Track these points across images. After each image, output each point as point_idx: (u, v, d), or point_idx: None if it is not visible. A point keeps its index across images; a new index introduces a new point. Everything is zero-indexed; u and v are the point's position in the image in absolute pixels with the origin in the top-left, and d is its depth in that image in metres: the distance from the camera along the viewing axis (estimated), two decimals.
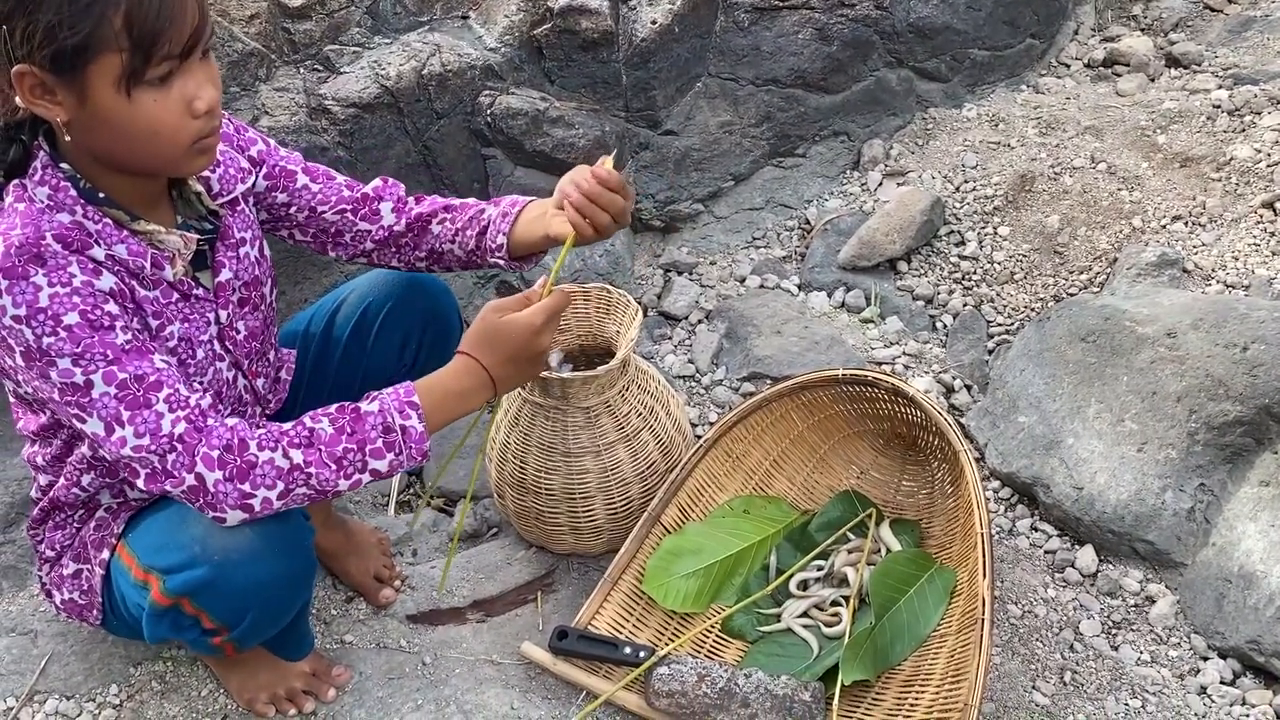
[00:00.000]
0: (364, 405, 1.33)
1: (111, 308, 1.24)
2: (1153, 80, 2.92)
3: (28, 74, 1.15)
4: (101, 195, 1.26)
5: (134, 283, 1.30)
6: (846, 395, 1.93)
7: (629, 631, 1.75)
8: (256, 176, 1.53)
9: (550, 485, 1.90)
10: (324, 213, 1.59)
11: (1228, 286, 2.22)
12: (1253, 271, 2.23)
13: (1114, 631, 1.78)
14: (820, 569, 1.82)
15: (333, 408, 1.33)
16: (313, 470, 1.29)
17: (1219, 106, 2.65)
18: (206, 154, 1.27)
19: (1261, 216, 2.34)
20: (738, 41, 2.65)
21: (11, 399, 1.44)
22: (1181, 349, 1.92)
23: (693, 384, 2.33)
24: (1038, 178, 2.55)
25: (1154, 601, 1.81)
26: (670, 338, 2.44)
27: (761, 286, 2.51)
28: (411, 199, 1.65)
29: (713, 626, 1.78)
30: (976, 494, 1.66)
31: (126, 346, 1.24)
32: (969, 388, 2.23)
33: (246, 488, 1.27)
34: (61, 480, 1.48)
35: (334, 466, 1.30)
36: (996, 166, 2.64)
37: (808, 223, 2.66)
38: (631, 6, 2.55)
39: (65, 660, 1.71)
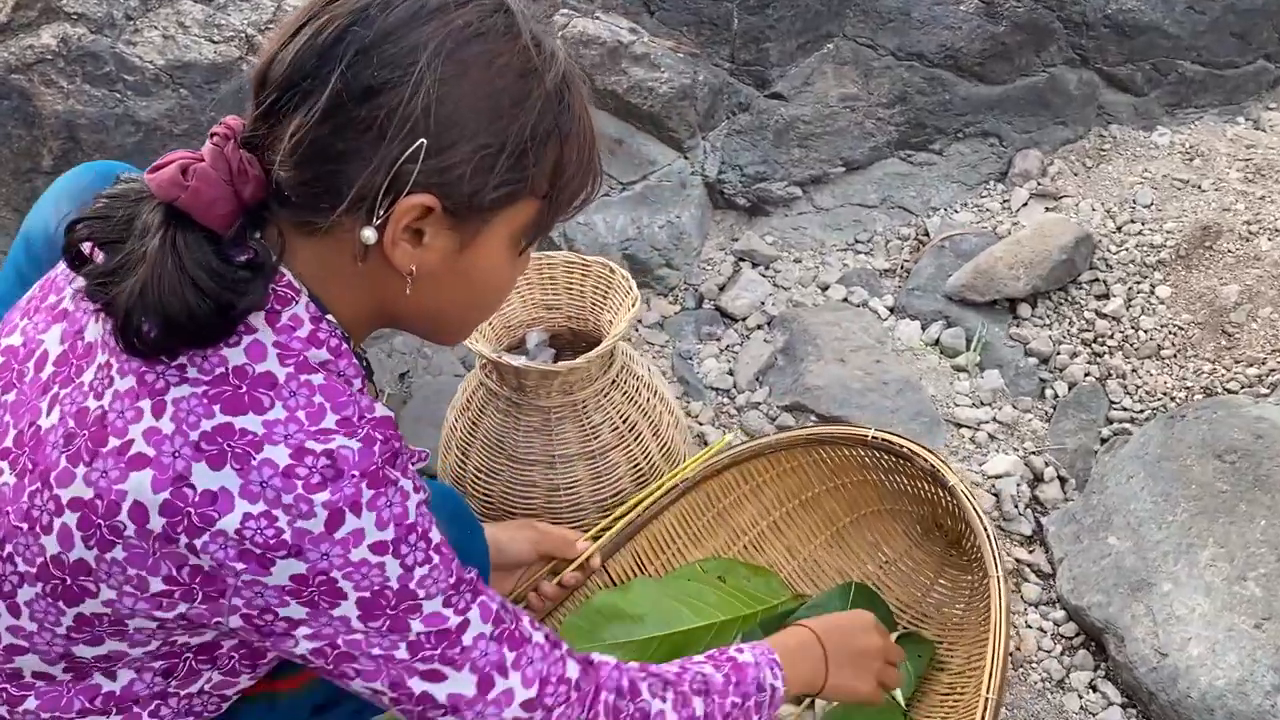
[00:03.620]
0: (737, 654, 1.10)
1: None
2: None
3: (424, 206, 0.83)
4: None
5: None
6: (881, 463, 1.48)
7: None
8: None
9: (489, 491, 1.54)
10: None
11: None
12: None
13: None
14: None
15: (705, 653, 1.11)
16: None
17: None
18: None
19: None
20: (885, 1, 2.18)
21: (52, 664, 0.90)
22: None
23: (724, 400, 1.91)
24: (1225, 233, 2.00)
25: None
26: (718, 339, 2.02)
27: (845, 300, 2.06)
28: None
29: None
30: (996, 634, 1.21)
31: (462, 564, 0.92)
32: (1064, 481, 1.74)
33: None
34: None
35: None
36: (1176, 210, 2.09)
37: (926, 234, 2.19)
38: None
39: None
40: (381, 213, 0.82)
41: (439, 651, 0.86)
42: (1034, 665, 1.52)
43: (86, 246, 0.84)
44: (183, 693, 0.95)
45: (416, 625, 0.85)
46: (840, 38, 2.20)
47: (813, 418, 1.83)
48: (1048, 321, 1.99)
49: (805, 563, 1.55)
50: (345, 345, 0.87)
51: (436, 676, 0.87)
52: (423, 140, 0.80)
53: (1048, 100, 2.28)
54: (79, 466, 0.81)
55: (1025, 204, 2.20)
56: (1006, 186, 2.26)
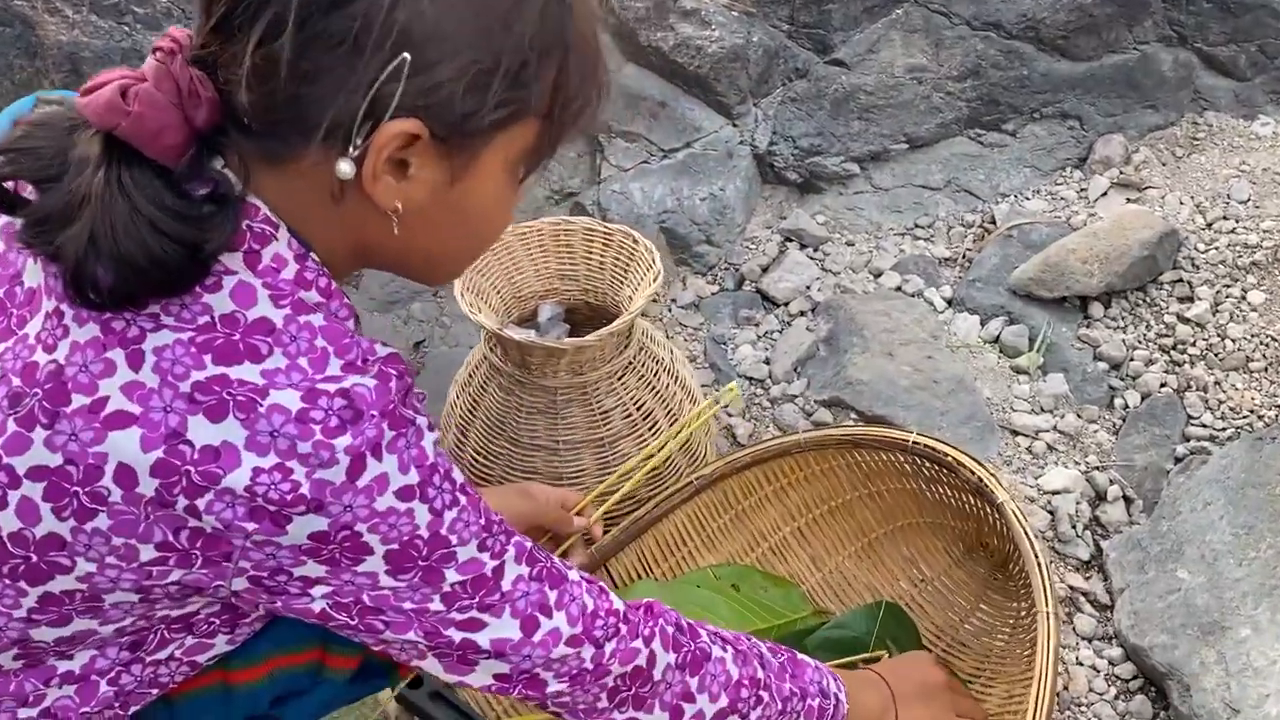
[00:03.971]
0: (791, 651, 1.04)
1: None
2: None
3: (409, 134, 0.71)
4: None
5: None
6: (922, 471, 1.32)
7: (501, 711, 1.24)
8: None
9: (488, 475, 1.40)
10: None
11: None
12: None
13: None
14: None
15: (764, 640, 1.04)
16: (764, 696, 0.96)
17: None
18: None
19: None
20: None
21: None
22: None
23: (758, 390, 1.75)
24: None
25: None
26: (756, 324, 1.86)
27: (898, 289, 1.89)
28: None
29: None
30: (1042, 672, 1.05)
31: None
32: (1129, 502, 1.56)
33: (695, 684, 0.93)
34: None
35: (780, 705, 0.98)
36: (1275, 208, 1.89)
37: (992, 222, 2.01)
38: None
39: None
40: (359, 142, 0.70)
41: (476, 600, 0.79)
42: (1083, 708, 1.35)
43: (16, 185, 0.72)
44: (149, 659, 0.85)
45: (451, 575, 0.77)
46: (911, 3, 2.02)
47: (853, 415, 1.66)
48: (1122, 324, 1.80)
49: (831, 576, 1.40)
50: (334, 285, 0.76)
51: (476, 625, 0.80)
52: (405, 55, 0.68)
53: (1137, 81, 2.08)
54: (35, 430, 0.69)
55: (1104, 194, 2.01)
56: (1085, 174, 2.07)
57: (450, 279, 0.90)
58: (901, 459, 1.32)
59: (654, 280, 1.34)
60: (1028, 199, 2.04)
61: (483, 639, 0.81)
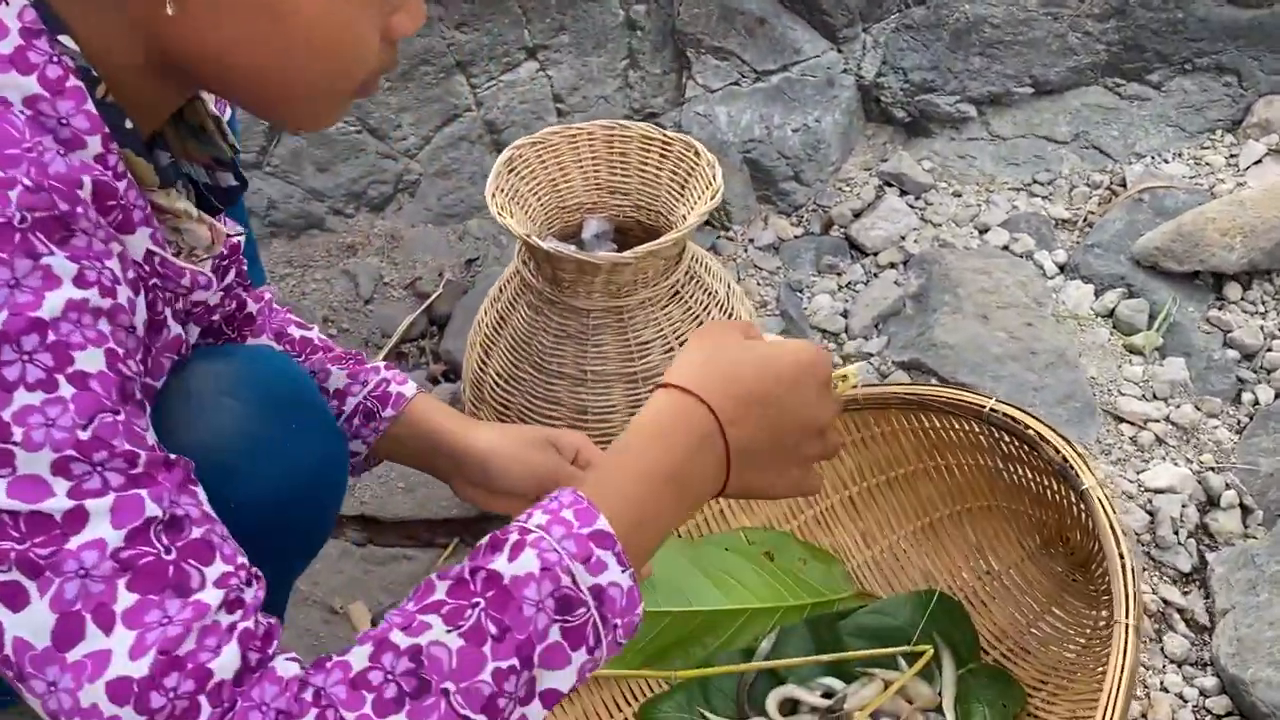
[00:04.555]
0: (503, 563, 0.61)
1: (133, 364, 0.60)
2: None
3: None
4: (127, 125, 0.64)
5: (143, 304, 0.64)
6: (1000, 447, 1.13)
7: None
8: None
9: (508, 402, 1.26)
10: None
11: None
12: None
13: None
14: (828, 696, 1.09)
15: (448, 578, 0.62)
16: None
17: None
18: (347, 105, 0.70)
19: None
20: None
21: None
22: None
23: (830, 344, 1.58)
24: None
25: None
26: (839, 273, 1.68)
27: (1005, 249, 1.68)
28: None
29: (616, 705, 1.11)
30: (1113, 694, 0.87)
31: (154, 449, 0.59)
32: (1246, 511, 1.34)
33: None
34: None
35: (476, 711, 0.60)
36: None
37: (1122, 184, 1.78)
38: None
39: None
40: None
41: (23, 548, 0.54)
42: None
43: None
44: None
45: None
46: None
47: (932, 381, 1.47)
48: (1261, 308, 1.56)
49: (882, 555, 1.22)
50: (84, 86, 0.59)
51: (8, 593, 0.54)
52: None
53: None
54: None
55: (1258, 161, 1.76)
56: (1238, 139, 1.82)
57: (309, 119, 0.69)
58: (976, 429, 1.13)
59: (712, 197, 1.17)
60: (1166, 161, 1.80)
61: (4, 630, 0.55)
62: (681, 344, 1.22)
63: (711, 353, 0.70)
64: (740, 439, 0.68)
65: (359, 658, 0.58)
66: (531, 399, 1.24)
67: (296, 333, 0.98)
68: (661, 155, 1.27)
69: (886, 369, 1.52)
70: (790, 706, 1.10)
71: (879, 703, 1.06)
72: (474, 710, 0.58)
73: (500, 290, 1.28)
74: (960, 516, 1.22)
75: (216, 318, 0.90)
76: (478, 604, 0.60)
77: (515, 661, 0.59)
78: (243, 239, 0.93)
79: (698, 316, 1.24)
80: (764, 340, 0.74)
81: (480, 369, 1.29)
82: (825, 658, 1.11)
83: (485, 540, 0.63)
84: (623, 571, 0.62)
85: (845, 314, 1.61)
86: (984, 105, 1.82)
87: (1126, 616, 0.90)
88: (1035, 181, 1.81)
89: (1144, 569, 1.29)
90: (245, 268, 0.95)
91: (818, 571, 1.19)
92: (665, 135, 1.27)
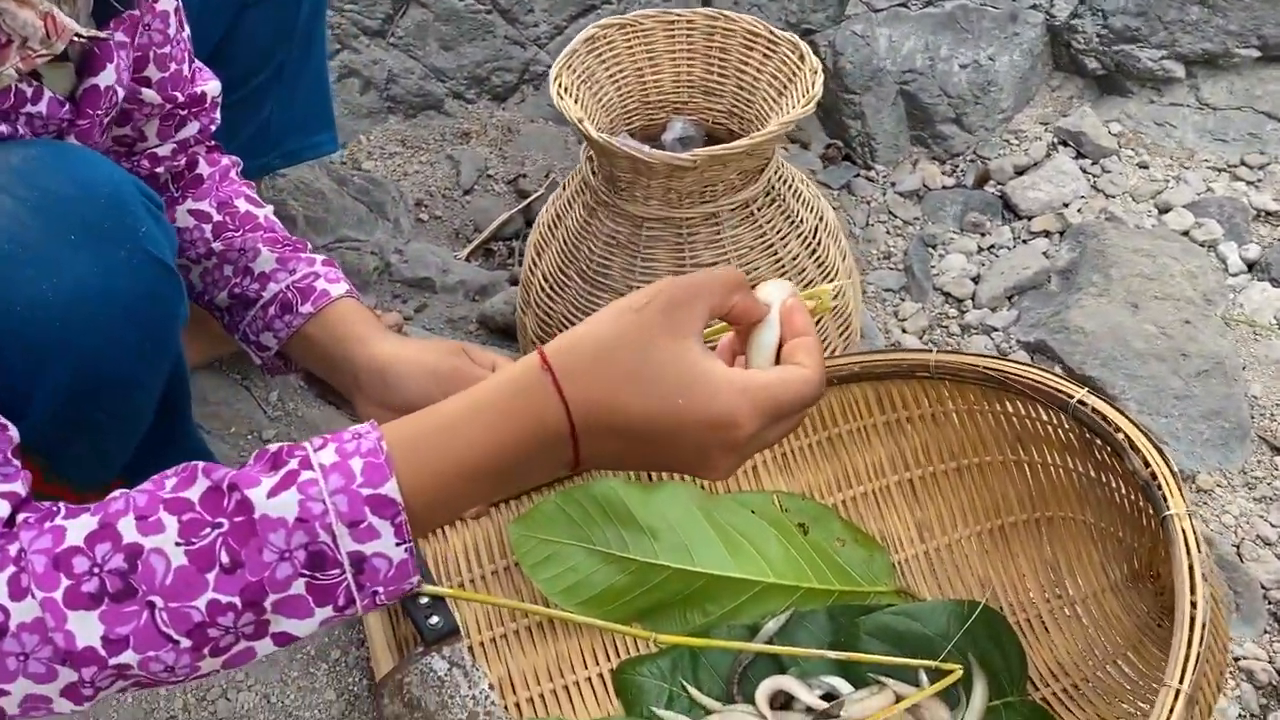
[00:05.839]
0: (262, 495, 0.53)
1: None
2: None
3: None
4: None
5: None
6: (1094, 452, 0.94)
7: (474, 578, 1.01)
8: None
9: (550, 312, 1.16)
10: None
11: None
12: None
13: None
14: (829, 698, 0.93)
15: (210, 478, 0.54)
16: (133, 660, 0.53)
17: None
18: None
19: None
20: None
21: None
22: None
23: (950, 310, 1.38)
24: None
25: None
26: (984, 232, 1.48)
27: (1185, 234, 1.43)
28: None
29: (594, 657, 0.99)
30: None
31: None
32: None
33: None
34: None
35: (174, 641, 0.53)
36: None
37: None
38: None
39: None
40: None
41: None
42: None
43: None
44: None
45: None
46: None
47: (1056, 370, 1.26)
48: None
49: (938, 554, 1.05)
50: None
51: None
52: None
53: None
54: None
55: None
56: None
57: None
58: (1067, 425, 0.94)
59: (805, 104, 1.01)
60: None
61: None
62: (747, 273, 1.07)
63: (615, 352, 0.57)
64: (597, 458, 0.58)
65: (77, 530, 0.52)
66: (572, 312, 1.12)
67: (242, 206, 0.91)
68: (765, 55, 1.11)
69: (1007, 347, 1.32)
70: (783, 701, 0.95)
71: (881, 717, 0.90)
72: (179, 632, 0.52)
73: (564, 188, 1.16)
74: (1039, 525, 1.03)
75: (161, 170, 0.84)
76: (220, 525, 0.52)
77: (237, 600, 0.52)
78: (210, 90, 0.85)
79: (771, 245, 1.08)
80: (703, 360, 0.58)
81: (531, 270, 1.17)
82: (836, 654, 0.95)
83: (269, 451, 0.54)
84: (398, 545, 0.54)
85: (976, 279, 1.41)
86: (1195, 65, 1.55)
87: (1180, 681, 0.71)
88: (1243, 164, 1.54)
89: (1264, 632, 1.07)
90: (213, 126, 0.87)
91: (856, 557, 1.03)
92: (772, 32, 1.10)
